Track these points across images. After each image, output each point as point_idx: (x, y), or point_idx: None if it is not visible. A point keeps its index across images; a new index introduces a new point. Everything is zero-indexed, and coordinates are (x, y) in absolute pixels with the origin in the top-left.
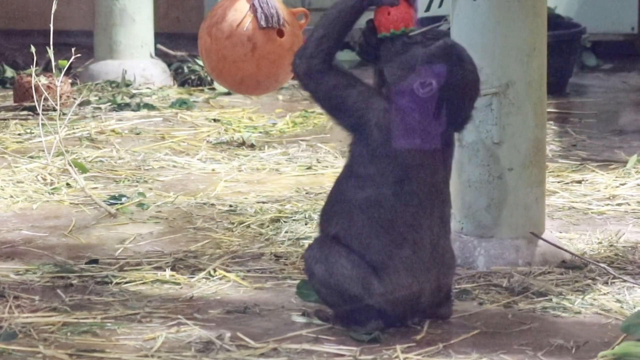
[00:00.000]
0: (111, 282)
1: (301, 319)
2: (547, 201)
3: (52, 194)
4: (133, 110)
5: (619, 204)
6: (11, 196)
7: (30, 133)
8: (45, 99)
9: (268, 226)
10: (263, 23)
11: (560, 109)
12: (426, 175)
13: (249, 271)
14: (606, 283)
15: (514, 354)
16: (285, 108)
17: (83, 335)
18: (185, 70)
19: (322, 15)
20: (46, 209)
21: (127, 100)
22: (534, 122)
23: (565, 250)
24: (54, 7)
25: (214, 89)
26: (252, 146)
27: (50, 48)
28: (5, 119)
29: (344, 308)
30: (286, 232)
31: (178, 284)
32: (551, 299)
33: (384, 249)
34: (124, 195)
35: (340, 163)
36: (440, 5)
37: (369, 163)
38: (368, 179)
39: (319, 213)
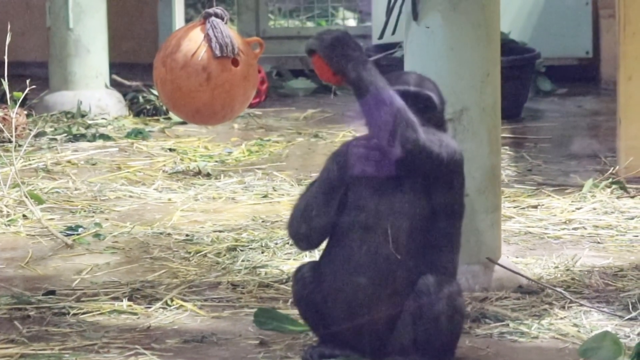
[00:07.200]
0: (68, 313)
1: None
2: (503, 226)
3: (9, 225)
4: (89, 140)
5: (575, 228)
6: None
7: None
8: (1, 131)
9: (225, 255)
10: (218, 52)
11: (516, 134)
12: None
13: (206, 300)
14: (563, 307)
15: None
16: (241, 137)
17: None
18: (141, 100)
19: None
20: (3, 241)
21: (83, 130)
22: (489, 147)
23: (522, 275)
24: (8, 38)
25: (169, 118)
26: (208, 175)
27: (4, 79)
28: None
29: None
30: (243, 260)
31: (135, 314)
32: (508, 324)
33: None
34: (81, 226)
35: (295, 191)
36: (393, 33)
37: None
38: None
39: None
